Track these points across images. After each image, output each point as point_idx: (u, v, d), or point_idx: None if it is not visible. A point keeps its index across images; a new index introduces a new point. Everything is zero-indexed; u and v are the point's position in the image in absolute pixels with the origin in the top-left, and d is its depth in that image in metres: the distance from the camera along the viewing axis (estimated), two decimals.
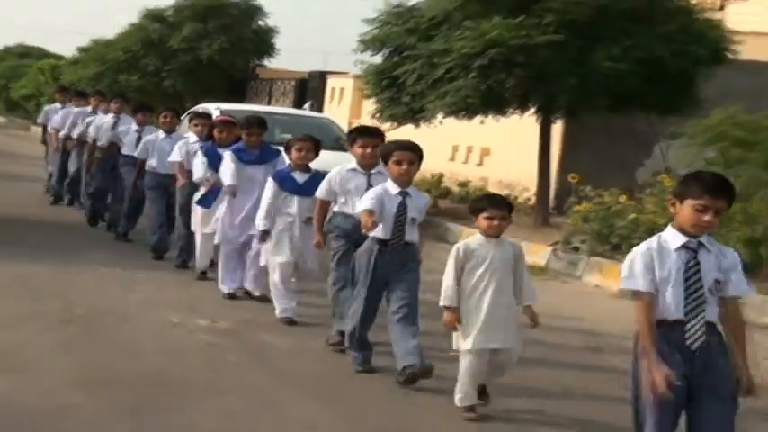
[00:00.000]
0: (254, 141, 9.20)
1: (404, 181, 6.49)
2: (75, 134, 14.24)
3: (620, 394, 5.96)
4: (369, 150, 7.31)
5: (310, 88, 27.17)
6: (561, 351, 8.04)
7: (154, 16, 29.63)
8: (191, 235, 10.30)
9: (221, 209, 9.09)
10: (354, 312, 6.57)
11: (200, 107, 15.03)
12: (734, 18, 21.64)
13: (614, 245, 12.01)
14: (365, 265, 6.51)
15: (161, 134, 11.34)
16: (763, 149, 12.74)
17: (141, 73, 28.42)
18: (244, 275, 9.08)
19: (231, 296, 8.95)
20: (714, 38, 15.55)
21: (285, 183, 8.13)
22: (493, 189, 16.72)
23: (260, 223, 8.09)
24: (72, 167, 14.38)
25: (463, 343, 5.77)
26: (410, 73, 15.55)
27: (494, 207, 5.86)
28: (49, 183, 15.93)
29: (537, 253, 11.79)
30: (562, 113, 15.94)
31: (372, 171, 7.34)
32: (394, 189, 6.50)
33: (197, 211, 9.73)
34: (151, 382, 6.81)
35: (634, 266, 4.47)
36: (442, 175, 18.71)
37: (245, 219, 8.92)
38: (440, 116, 15.80)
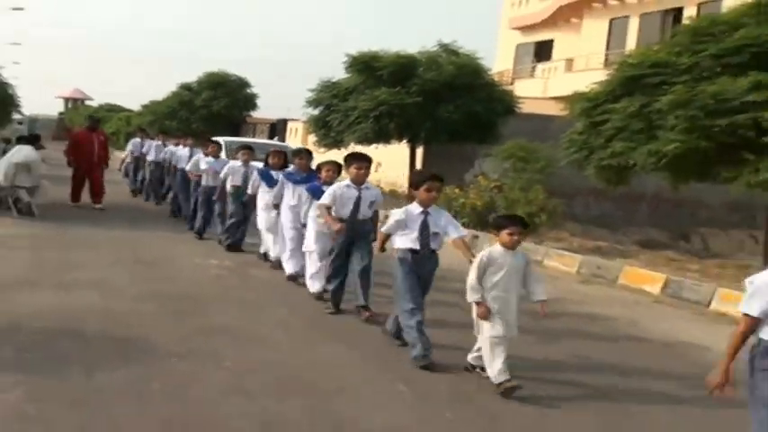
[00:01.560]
0: (303, 164, 10.49)
1: (430, 203, 6.98)
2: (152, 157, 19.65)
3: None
4: (362, 171, 8.43)
5: (278, 129, 38.39)
6: None
7: (185, 86, 42.79)
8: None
9: (285, 215, 10.36)
10: (405, 307, 6.91)
11: (215, 138, 18.31)
12: (519, 89, 29.31)
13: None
14: (403, 269, 6.98)
15: (237, 163, 12.75)
16: (535, 162, 17.83)
17: (178, 120, 38.29)
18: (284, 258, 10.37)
19: (294, 277, 10.06)
20: (507, 100, 22.05)
21: (317, 194, 9.12)
22: (384, 187, 19.49)
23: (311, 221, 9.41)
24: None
25: (489, 329, 6.15)
26: (334, 120, 21.52)
27: (515, 225, 6.26)
28: (135, 186, 21.53)
29: None
30: (422, 143, 22.04)
31: (362, 187, 8.49)
32: (417, 209, 6.97)
33: (262, 216, 11.41)
34: (183, 297, 8.77)
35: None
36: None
37: (295, 225, 10.19)
38: (352, 144, 20.89)
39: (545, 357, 7.20)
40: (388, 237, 7.26)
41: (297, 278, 10.01)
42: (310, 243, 9.42)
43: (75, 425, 4.92)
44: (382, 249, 7.50)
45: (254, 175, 11.54)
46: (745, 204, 21.10)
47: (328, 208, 8.47)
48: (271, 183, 10.91)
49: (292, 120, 37.25)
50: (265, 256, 11.62)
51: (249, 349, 6.94)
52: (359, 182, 8.47)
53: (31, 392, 5.40)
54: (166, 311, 8.10)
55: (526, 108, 23.29)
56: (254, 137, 35.90)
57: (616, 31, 33.46)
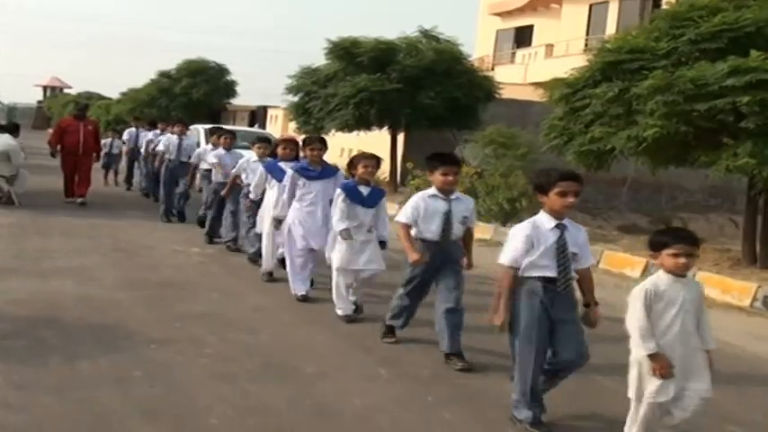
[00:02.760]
0: (316, 156, 8.61)
1: (566, 212, 5.16)
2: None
3: None
4: (450, 177, 6.46)
5: (258, 116, 38.45)
6: None
7: (164, 74, 42.56)
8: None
9: (290, 219, 8.62)
10: (524, 368, 5.13)
11: (194, 126, 20.04)
12: (499, 74, 29.35)
13: None
14: (531, 311, 5.08)
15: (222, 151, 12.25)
16: (515, 148, 18.20)
17: (157, 108, 37.97)
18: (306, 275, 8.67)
19: (304, 298, 8.46)
20: (488, 86, 21.98)
21: (352, 194, 7.61)
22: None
23: (339, 224, 7.59)
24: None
25: (657, 392, 4.54)
26: (315, 107, 21.49)
27: (680, 242, 4.58)
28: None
29: (391, 208, 12.34)
30: (403, 129, 22.08)
31: (452, 197, 6.55)
32: (549, 222, 5.13)
33: (264, 218, 9.51)
34: (164, 285, 8.78)
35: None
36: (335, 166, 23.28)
37: (310, 230, 8.51)
38: (333, 131, 21.06)
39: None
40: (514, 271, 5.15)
41: (308, 298, 8.60)
42: (335, 258, 7.85)
43: (57, 412, 4.92)
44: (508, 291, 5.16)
45: (260, 170, 9.83)
46: (725, 189, 21.30)
47: (408, 228, 6.60)
48: (282, 177, 9.13)
49: (272, 107, 37.23)
50: (235, 241, 11.44)
51: (230, 335, 6.96)
52: (448, 191, 6.58)
53: (13, 381, 5.41)
54: (147, 299, 8.13)
55: (506, 94, 23.32)
56: (233, 124, 35.80)
57: (596, 16, 33.46)
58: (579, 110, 12.61)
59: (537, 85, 19.27)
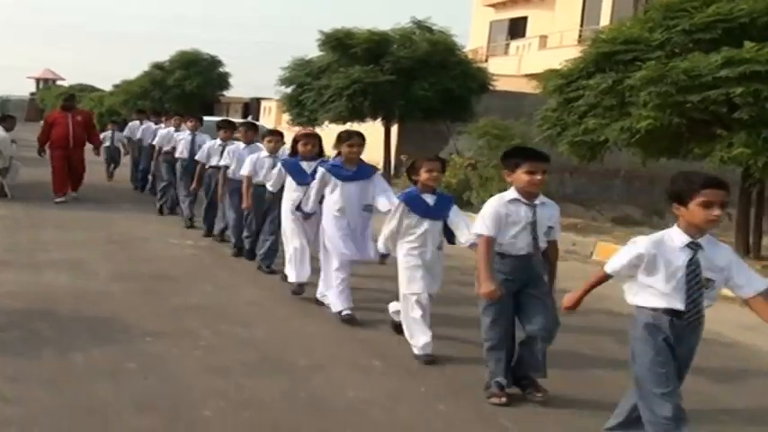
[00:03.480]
0: (354, 154, 7.39)
1: (709, 228, 4.25)
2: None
3: None
4: (538, 177, 5.27)
5: (251, 108, 38.14)
6: None
7: (157, 66, 42.10)
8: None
9: (328, 225, 7.47)
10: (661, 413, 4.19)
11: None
12: (493, 66, 29.25)
13: None
14: (653, 343, 4.26)
15: (241, 145, 10.71)
16: (509, 140, 16.84)
17: (150, 100, 37.74)
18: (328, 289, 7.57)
19: (350, 318, 7.28)
20: (481, 78, 21.87)
21: (416, 205, 6.38)
22: None
23: (382, 246, 6.62)
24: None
25: None
26: (308, 99, 21.37)
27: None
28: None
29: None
30: (396, 121, 21.89)
31: (537, 202, 5.40)
32: (680, 239, 4.24)
33: (288, 222, 8.18)
34: (159, 277, 8.77)
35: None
36: (329, 157, 22.86)
37: (346, 238, 7.40)
38: (326, 123, 20.78)
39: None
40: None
41: (354, 318, 7.38)
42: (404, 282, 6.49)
43: (51, 405, 4.92)
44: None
45: (278, 168, 8.65)
46: None
47: (490, 242, 5.35)
48: (303, 179, 8.05)
49: (266, 98, 37.13)
50: (223, 232, 11.32)
51: (225, 328, 6.95)
52: (533, 194, 5.42)
53: (7, 373, 5.40)
54: (141, 291, 8.12)
55: (500, 85, 23.25)
56: (227, 116, 35.21)
57: (590, 7, 33.33)
58: (573, 101, 12.61)
59: (531, 76, 19.18)
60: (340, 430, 4.87)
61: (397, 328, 6.75)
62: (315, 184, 7.58)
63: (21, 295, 7.59)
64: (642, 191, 22.18)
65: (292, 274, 8.20)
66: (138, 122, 19.51)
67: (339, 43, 21.24)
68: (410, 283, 6.40)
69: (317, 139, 8.39)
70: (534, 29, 37.11)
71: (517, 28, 39.14)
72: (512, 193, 5.37)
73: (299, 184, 8.05)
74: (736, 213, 12.58)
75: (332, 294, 7.51)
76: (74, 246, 10.47)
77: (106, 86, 57.01)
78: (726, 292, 4.31)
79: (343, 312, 7.33)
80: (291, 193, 8.17)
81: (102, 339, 6.35)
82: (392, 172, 21.46)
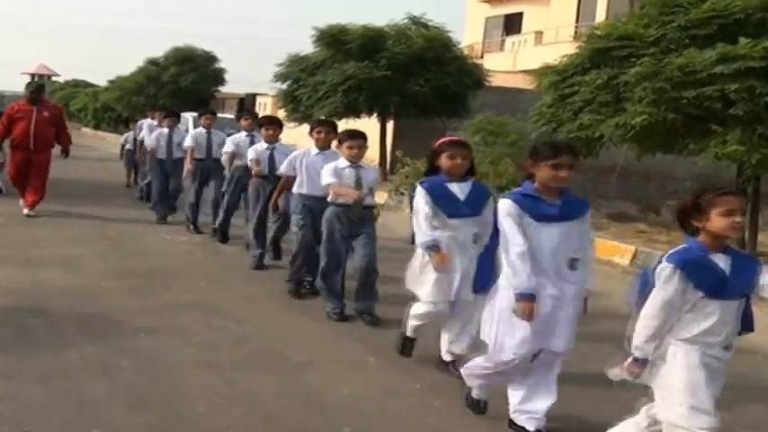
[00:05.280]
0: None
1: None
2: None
3: None
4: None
5: (246, 103, 37.91)
6: None
7: (152, 61, 42.21)
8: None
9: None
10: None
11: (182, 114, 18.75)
12: (489, 62, 29.50)
13: None
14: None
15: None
16: (504, 136, 17.32)
17: (145, 96, 37.91)
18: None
19: (478, 406, 5.18)
20: (477, 74, 22.08)
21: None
22: None
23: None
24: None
25: None
26: (303, 94, 21.48)
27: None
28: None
29: (381, 196, 12.46)
30: (392, 117, 22.12)
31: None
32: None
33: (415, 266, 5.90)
34: (152, 274, 8.78)
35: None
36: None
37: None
38: (321, 119, 21.61)
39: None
40: None
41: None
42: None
43: (44, 402, 4.90)
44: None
45: (370, 178, 7.37)
46: (713, 176, 21.07)
47: None
48: (456, 210, 5.70)
49: (261, 94, 37.14)
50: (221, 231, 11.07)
51: (218, 324, 6.93)
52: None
53: (0, 370, 5.37)
54: (134, 287, 8.10)
55: (496, 81, 23.36)
56: (222, 112, 35.32)
57: (585, 3, 33.23)
58: (568, 97, 12.65)
59: (526, 72, 19.28)
60: (334, 426, 4.86)
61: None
62: (506, 226, 4.66)
63: (14, 292, 7.56)
64: (637, 187, 22.24)
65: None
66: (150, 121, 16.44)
67: (334, 39, 21.33)
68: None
69: (468, 149, 5.80)
70: (530, 25, 37.06)
71: (512, 24, 39.08)
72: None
73: (451, 216, 5.67)
74: None
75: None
76: (67, 242, 10.45)
77: (101, 82, 57.01)
78: None
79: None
80: (425, 226, 5.63)
81: (94, 336, 6.33)
82: (388, 168, 21.47)
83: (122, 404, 4.94)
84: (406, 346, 6.15)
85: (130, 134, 18.57)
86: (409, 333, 6.11)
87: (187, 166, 11.90)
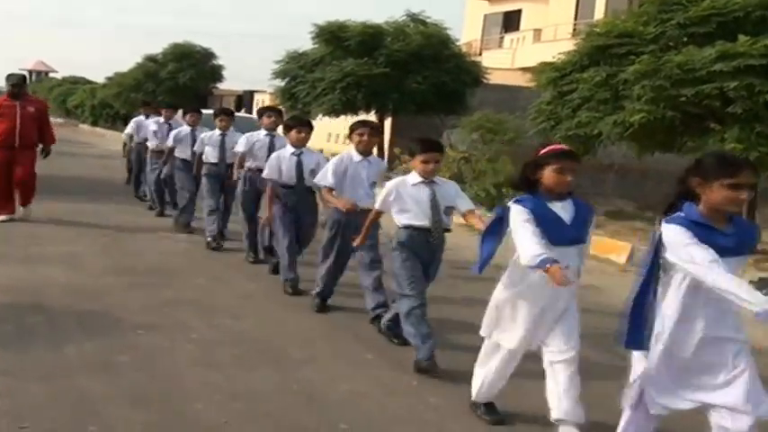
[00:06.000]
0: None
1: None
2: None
3: None
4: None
5: (244, 101, 38.32)
6: None
7: (150, 58, 42.27)
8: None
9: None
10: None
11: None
12: (487, 59, 29.58)
13: None
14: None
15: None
16: (503, 133, 17.83)
17: (144, 92, 37.68)
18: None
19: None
20: (475, 71, 22.27)
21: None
22: None
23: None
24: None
25: None
26: (301, 91, 21.62)
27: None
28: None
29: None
30: (390, 114, 22.23)
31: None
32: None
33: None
34: (152, 271, 8.79)
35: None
36: (321, 150, 22.14)
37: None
38: (320, 116, 21.17)
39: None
40: None
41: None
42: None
43: (43, 398, 4.90)
44: None
45: (451, 193, 6.17)
46: None
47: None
48: (561, 234, 4.63)
49: (259, 91, 37.18)
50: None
51: (217, 321, 6.93)
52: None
53: (0, 367, 5.37)
54: (134, 284, 8.08)
55: (494, 79, 23.46)
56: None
57: (584, 0, 33.33)
58: (566, 94, 12.67)
59: (525, 70, 19.23)
60: (332, 423, 4.87)
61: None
62: (689, 259, 3.80)
63: (13, 289, 7.54)
64: (635, 185, 22.25)
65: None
66: (143, 118, 15.45)
67: (333, 36, 21.45)
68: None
69: (577, 160, 4.77)
70: (528, 22, 37.12)
71: (511, 21, 39.12)
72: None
73: (556, 243, 4.56)
74: None
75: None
76: (66, 240, 10.42)
77: (99, 79, 57.01)
78: None
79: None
80: (535, 241, 4.48)
81: (94, 333, 6.33)
82: (386, 165, 21.28)
83: (121, 401, 4.94)
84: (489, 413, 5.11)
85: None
86: (480, 398, 5.16)
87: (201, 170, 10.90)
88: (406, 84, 20.74)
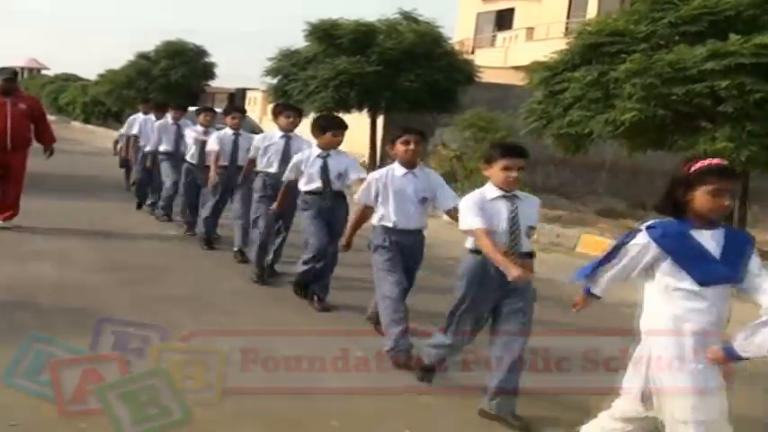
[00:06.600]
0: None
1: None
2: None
3: None
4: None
5: (237, 98, 37.99)
6: None
7: (142, 56, 41.85)
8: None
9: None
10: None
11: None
12: (480, 58, 29.58)
13: None
14: None
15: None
16: (495, 132, 17.50)
17: (135, 90, 37.69)
18: None
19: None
20: (468, 69, 22.15)
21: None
22: None
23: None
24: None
25: None
26: (294, 89, 21.42)
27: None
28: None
29: None
30: (382, 112, 22.06)
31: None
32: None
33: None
34: (142, 267, 8.80)
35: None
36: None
37: None
38: (312, 114, 19.06)
39: None
40: None
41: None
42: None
43: (32, 395, 4.86)
44: None
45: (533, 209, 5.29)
46: None
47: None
48: (709, 273, 3.73)
49: (252, 89, 37.05)
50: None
51: (208, 318, 6.93)
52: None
53: None
54: (125, 281, 8.08)
55: (487, 77, 23.39)
56: (213, 106, 35.14)
57: None
58: (558, 93, 12.69)
59: (517, 68, 19.28)
60: (323, 420, 4.87)
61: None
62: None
63: (3, 286, 7.51)
64: (626, 183, 22.31)
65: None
66: (142, 115, 14.51)
67: (325, 34, 21.30)
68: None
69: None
70: (521, 20, 37.15)
71: (504, 19, 39.14)
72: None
73: (703, 283, 3.72)
74: None
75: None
76: (58, 236, 10.39)
77: (91, 76, 56.68)
78: None
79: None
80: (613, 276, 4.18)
81: (85, 330, 6.22)
82: (378, 163, 21.43)
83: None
84: None
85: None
86: None
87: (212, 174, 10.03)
88: (399, 82, 20.61)
